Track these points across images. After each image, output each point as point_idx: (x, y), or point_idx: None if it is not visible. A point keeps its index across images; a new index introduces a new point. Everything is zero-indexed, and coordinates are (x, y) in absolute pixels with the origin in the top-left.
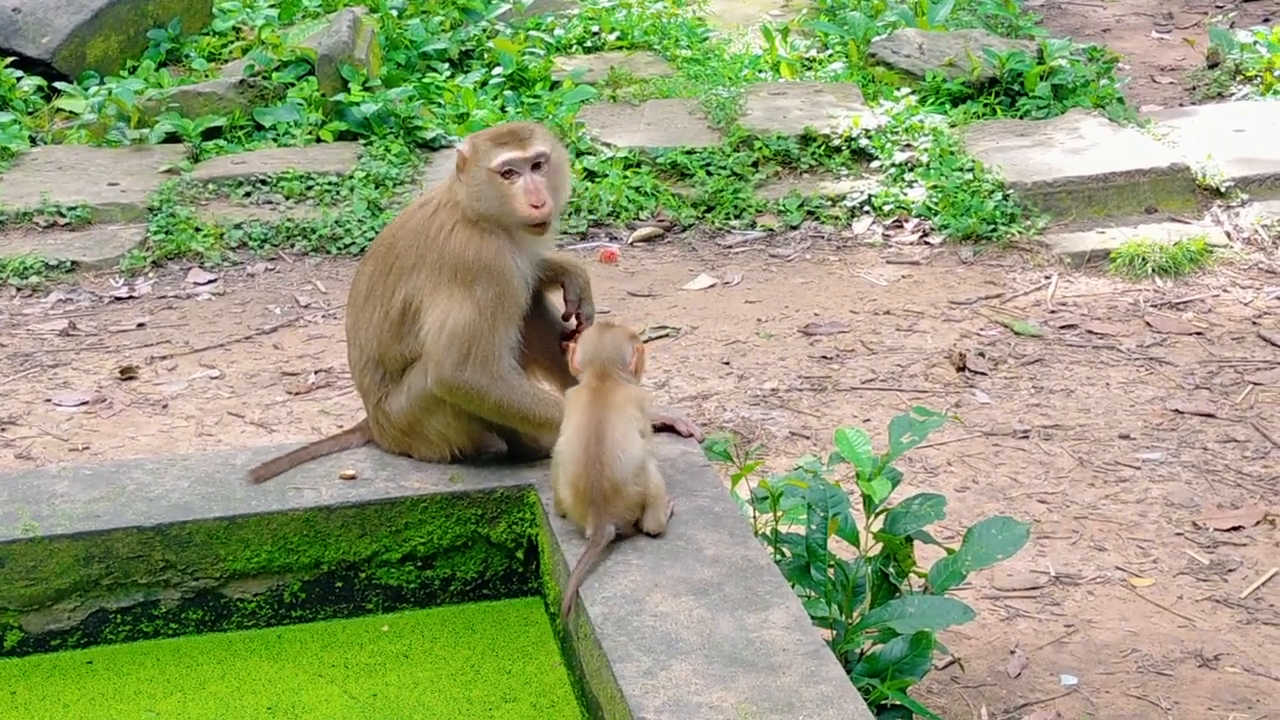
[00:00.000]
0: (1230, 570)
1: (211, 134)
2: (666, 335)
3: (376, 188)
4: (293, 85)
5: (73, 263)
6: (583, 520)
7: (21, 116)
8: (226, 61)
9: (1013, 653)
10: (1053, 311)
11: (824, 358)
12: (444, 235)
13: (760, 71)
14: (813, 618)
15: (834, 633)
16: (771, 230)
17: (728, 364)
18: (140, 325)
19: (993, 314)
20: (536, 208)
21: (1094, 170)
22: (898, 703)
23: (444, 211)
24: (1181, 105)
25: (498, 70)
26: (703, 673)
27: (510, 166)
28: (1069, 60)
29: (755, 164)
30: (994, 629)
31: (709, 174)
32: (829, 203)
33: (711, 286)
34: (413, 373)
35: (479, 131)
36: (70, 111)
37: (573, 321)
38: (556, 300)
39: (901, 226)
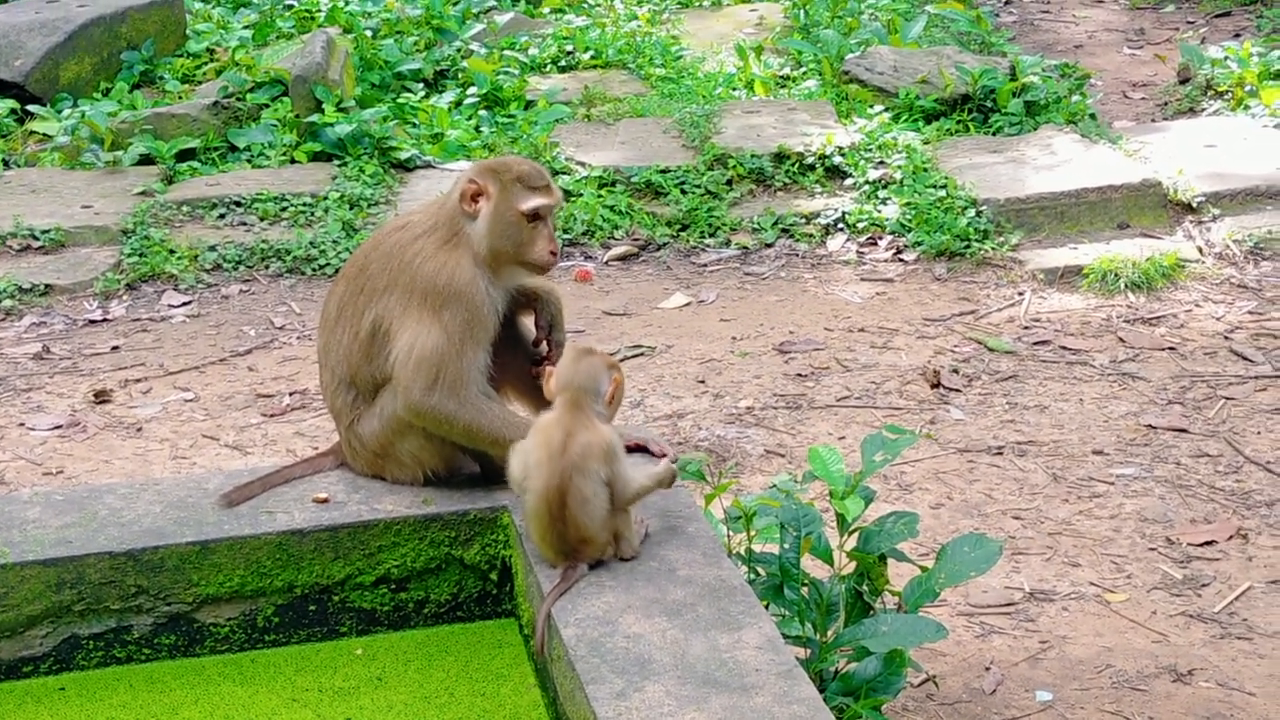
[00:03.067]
0: (1204, 585)
1: (185, 156)
2: (641, 354)
3: (351, 208)
4: (267, 106)
5: (46, 286)
6: (556, 562)
7: None
8: (200, 83)
9: (988, 669)
10: (1026, 328)
11: (799, 375)
12: (419, 260)
13: (734, 90)
14: (786, 637)
15: (808, 652)
16: (746, 248)
17: (703, 382)
18: (114, 348)
19: (966, 330)
20: (554, 254)
21: (1066, 186)
22: None
23: (425, 239)
24: (1153, 121)
25: (472, 90)
26: (675, 694)
27: (541, 212)
28: (1041, 77)
29: (729, 182)
30: (969, 646)
31: (683, 192)
32: (803, 220)
33: (686, 305)
34: (384, 395)
35: (496, 166)
36: (43, 134)
37: (544, 347)
38: (529, 323)
39: (875, 244)
